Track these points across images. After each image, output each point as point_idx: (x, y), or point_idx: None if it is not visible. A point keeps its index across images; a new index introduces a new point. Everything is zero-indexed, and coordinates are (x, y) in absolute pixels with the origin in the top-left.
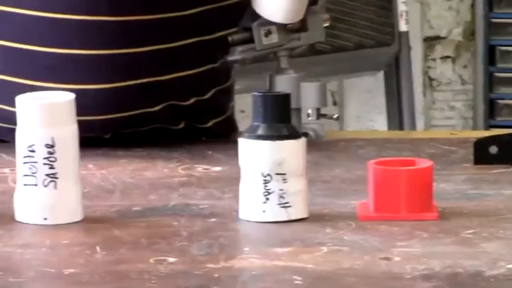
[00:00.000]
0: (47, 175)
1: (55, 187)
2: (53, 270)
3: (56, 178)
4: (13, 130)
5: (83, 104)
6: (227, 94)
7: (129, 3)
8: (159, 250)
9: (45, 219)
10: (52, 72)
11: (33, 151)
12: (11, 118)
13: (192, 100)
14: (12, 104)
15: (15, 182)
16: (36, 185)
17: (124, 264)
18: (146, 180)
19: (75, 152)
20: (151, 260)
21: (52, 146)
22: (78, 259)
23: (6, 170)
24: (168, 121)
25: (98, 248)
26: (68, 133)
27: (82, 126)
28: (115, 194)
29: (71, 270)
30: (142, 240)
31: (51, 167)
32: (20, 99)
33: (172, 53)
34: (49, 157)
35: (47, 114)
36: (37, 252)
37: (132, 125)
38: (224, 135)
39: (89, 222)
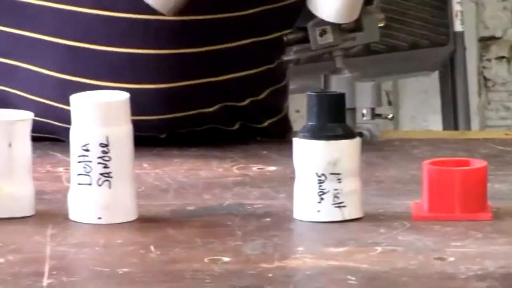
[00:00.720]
0: (102, 174)
1: (110, 186)
2: (107, 270)
3: (111, 177)
4: (68, 130)
5: (140, 104)
6: (282, 94)
7: (191, 3)
8: (213, 249)
9: (99, 218)
10: (110, 71)
11: (87, 150)
12: (68, 117)
13: (247, 101)
14: (69, 103)
15: (69, 182)
16: (90, 184)
17: (178, 264)
18: (200, 179)
19: (129, 151)
20: (206, 260)
21: (106, 145)
22: (132, 259)
23: (61, 169)
24: (223, 122)
25: (152, 248)
26: (122, 132)
27: (138, 126)
28: (170, 194)
29: (125, 270)
30: (197, 240)
31: (105, 166)
32: (74, 98)
33: (229, 53)
34: (104, 156)
35: (101, 113)
36: (91, 252)
37: (187, 125)
38: (279, 135)
39: (143, 221)
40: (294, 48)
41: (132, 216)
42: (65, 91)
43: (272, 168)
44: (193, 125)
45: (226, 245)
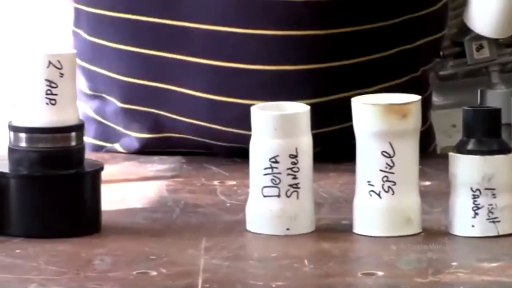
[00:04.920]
0: (290, 185)
1: (298, 197)
2: (260, 283)
3: (299, 188)
4: (221, 147)
5: None
6: (426, 104)
7: (337, 16)
8: (367, 263)
9: (288, 229)
10: (261, 89)
11: (276, 162)
12: (220, 136)
13: None
14: (227, 124)
15: (224, 195)
16: (278, 196)
17: (332, 278)
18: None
19: (311, 161)
20: (359, 274)
21: (295, 157)
22: (286, 272)
23: (215, 182)
24: None
25: (306, 261)
26: (308, 142)
27: None
28: (324, 208)
29: (279, 283)
30: (350, 254)
31: (295, 178)
32: (256, 110)
33: (376, 64)
34: (293, 167)
35: (290, 124)
36: (244, 265)
37: (340, 139)
38: (423, 145)
39: (298, 235)
40: (451, 62)
41: (312, 227)
42: (216, 111)
43: (427, 183)
44: (345, 138)
45: (380, 260)
